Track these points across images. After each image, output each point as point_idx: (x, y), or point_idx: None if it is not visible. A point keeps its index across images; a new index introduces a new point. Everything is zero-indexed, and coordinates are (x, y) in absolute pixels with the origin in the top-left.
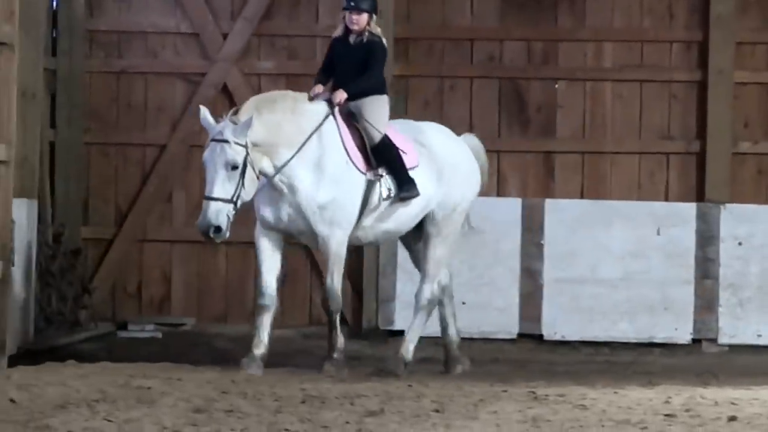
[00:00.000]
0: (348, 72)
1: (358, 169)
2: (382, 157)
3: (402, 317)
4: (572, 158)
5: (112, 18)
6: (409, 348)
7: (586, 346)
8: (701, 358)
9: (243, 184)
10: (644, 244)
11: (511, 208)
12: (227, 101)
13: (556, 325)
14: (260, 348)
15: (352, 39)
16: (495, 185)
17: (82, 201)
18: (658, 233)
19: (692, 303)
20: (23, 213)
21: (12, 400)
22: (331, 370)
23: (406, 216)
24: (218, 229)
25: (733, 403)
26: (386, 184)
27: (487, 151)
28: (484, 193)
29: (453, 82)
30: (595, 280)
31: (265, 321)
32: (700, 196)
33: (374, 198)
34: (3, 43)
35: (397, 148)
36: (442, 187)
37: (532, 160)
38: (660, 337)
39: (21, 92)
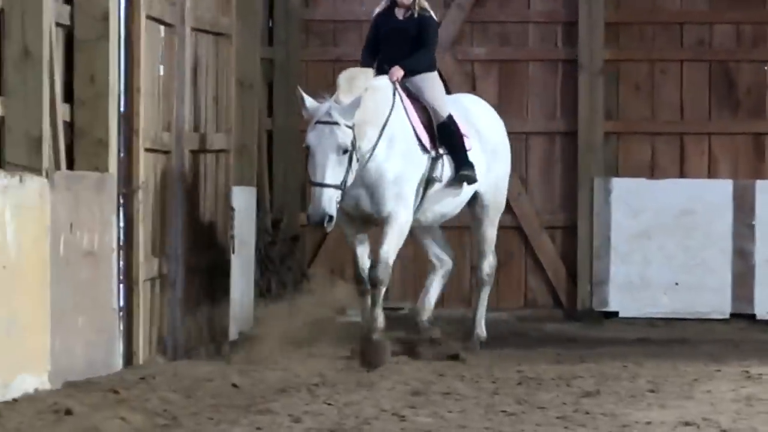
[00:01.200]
0: (400, 47)
1: (424, 146)
2: (446, 136)
3: (616, 299)
4: None
5: (327, 7)
6: (482, 325)
7: None
8: None
9: (351, 167)
10: None
11: (722, 189)
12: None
13: None
14: (378, 324)
15: (400, 14)
16: (706, 167)
17: (300, 188)
18: None
19: None
20: (243, 200)
21: (234, 385)
22: (358, 352)
23: (459, 199)
24: (331, 218)
25: None
26: (446, 164)
27: (698, 133)
28: (694, 174)
29: (663, 66)
30: None
31: (368, 303)
32: None
33: (436, 176)
34: (221, 34)
35: (459, 129)
36: (489, 169)
37: (742, 142)
38: None
39: (239, 82)
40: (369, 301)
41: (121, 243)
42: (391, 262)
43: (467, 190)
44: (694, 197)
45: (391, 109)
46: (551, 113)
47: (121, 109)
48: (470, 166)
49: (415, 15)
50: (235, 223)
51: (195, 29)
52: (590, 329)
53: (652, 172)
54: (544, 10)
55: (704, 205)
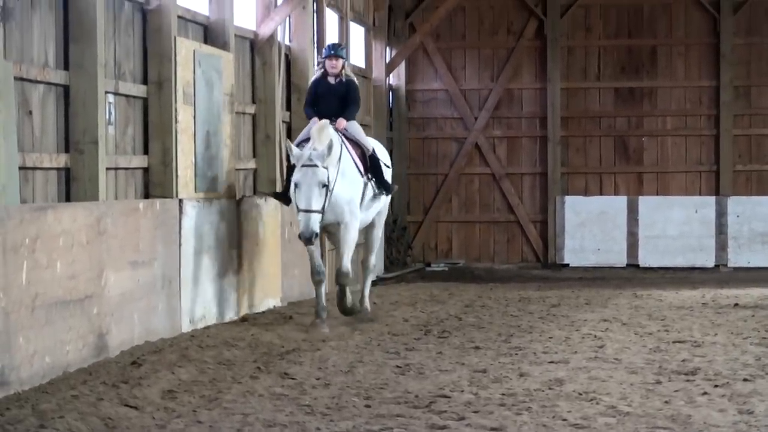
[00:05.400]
0: (332, 104)
1: (361, 174)
2: (373, 166)
3: (568, 257)
4: None
5: (419, 111)
6: (367, 299)
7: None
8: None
9: (327, 197)
10: None
11: (621, 201)
12: (477, 152)
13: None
14: (324, 312)
15: (331, 80)
16: (613, 190)
17: (407, 203)
18: None
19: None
20: None
21: (375, 303)
22: (321, 326)
23: (375, 209)
24: (317, 234)
25: (736, 296)
26: (372, 185)
27: (608, 173)
28: (607, 193)
29: (590, 139)
30: None
31: (323, 291)
32: None
33: (368, 195)
34: (365, 125)
35: (379, 161)
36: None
37: (631, 177)
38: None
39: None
40: (322, 288)
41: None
42: (350, 268)
43: (379, 204)
44: (607, 204)
45: (341, 151)
46: (534, 163)
47: None
48: (387, 185)
49: (343, 80)
50: None
51: None
52: (555, 273)
53: (585, 192)
54: (530, 111)
55: (612, 209)
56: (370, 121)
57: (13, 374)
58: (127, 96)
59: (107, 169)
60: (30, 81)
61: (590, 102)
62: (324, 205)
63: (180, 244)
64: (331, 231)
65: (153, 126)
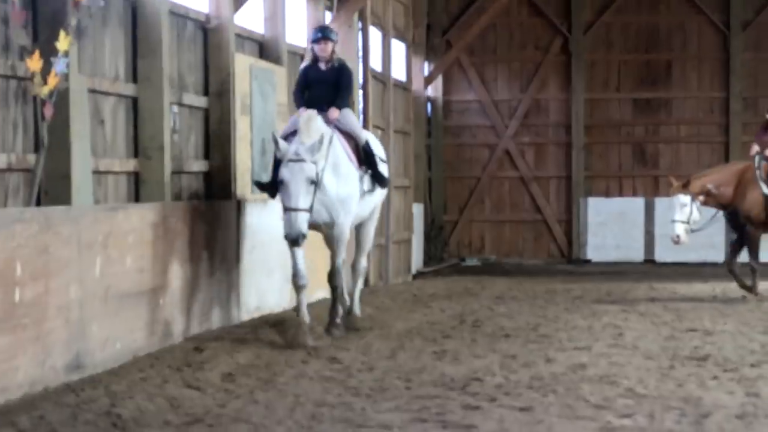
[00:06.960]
0: (324, 91)
1: (355, 168)
2: (367, 157)
3: (591, 253)
4: None
5: (457, 118)
6: (358, 307)
7: (678, 265)
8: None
9: (315, 194)
10: None
11: (639, 202)
12: (508, 157)
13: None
14: (307, 320)
15: (322, 65)
16: (632, 191)
17: (443, 204)
18: None
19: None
20: (418, 211)
21: (414, 295)
22: (336, 333)
23: (371, 204)
24: (305, 236)
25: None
26: (368, 179)
27: (628, 176)
28: (626, 195)
29: (611, 146)
30: None
31: (304, 297)
32: None
33: (363, 190)
34: (406, 133)
35: (373, 151)
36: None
37: (648, 181)
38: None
39: (415, 155)
40: (303, 295)
41: None
42: (342, 269)
43: (374, 198)
44: (626, 205)
45: (331, 143)
46: (559, 167)
47: None
48: (383, 178)
49: (335, 65)
50: (413, 221)
51: (395, 131)
52: (578, 268)
53: (606, 194)
54: (556, 119)
55: (631, 210)
56: (409, 129)
57: (88, 358)
58: (189, 107)
59: (172, 173)
60: (102, 93)
61: (611, 111)
62: (312, 203)
63: (238, 241)
64: (324, 230)
65: (213, 134)
